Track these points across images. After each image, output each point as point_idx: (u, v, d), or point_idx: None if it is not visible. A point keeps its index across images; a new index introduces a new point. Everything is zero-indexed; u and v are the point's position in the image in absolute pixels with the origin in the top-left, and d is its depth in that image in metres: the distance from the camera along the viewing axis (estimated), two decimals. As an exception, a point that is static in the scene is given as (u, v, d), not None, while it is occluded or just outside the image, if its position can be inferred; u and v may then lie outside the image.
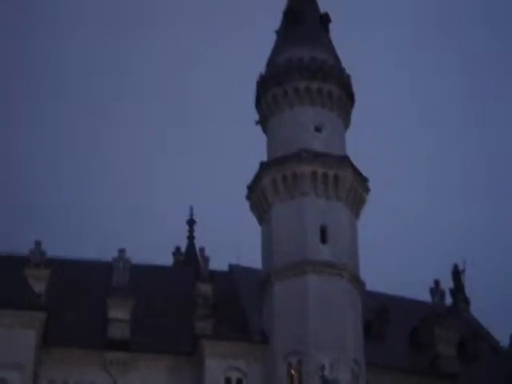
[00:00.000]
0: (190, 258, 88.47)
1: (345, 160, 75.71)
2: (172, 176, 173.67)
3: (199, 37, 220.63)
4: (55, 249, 76.86)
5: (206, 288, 74.98)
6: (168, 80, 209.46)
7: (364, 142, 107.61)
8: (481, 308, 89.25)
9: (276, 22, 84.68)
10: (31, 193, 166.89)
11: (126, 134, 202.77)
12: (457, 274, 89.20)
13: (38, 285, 71.23)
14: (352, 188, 75.47)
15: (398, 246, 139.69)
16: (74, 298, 74.08)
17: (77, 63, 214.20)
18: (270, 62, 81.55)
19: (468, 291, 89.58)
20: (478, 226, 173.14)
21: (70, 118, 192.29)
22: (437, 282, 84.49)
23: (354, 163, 76.45)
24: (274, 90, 78.66)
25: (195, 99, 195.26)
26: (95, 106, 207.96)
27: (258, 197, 76.87)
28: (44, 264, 73.15)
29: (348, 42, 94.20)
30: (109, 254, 77.79)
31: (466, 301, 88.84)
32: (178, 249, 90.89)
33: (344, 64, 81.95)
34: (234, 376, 70.38)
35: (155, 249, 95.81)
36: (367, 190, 77.22)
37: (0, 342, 66.08)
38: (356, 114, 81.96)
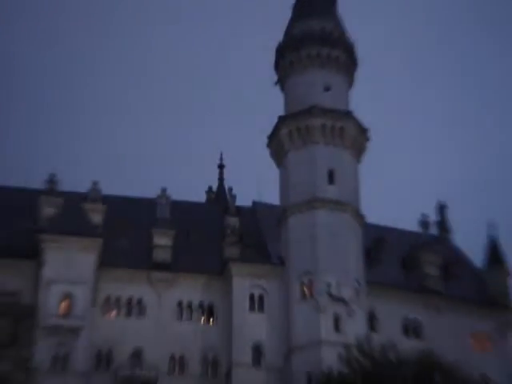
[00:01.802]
0: (220, 196, 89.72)
1: (349, 114, 78.22)
2: (205, 127, 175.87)
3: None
4: (109, 187, 79.30)
5: (233, 221, 78.13)
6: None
7: (367, 98, 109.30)
8: (461, 237, 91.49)
9: None
10: (88, 142, 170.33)
11: (169, 95, 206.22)
12: (441, 208, 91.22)
13: (96, 217, 74.77)
14: (355, 138, 78.05)
15: (393, 187, 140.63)
16: (124, 228, 76.18)
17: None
18: (287, 33, 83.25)
19: (450, 223, 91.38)
20: (461, 170, 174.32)
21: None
22: (424, 216, 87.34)
23: (357, 117, 78.85)
24: (290, 56, 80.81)
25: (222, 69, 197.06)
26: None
27: (276, 145, 79.51)
28: (100, 200, 76.44)
29: (354, 13, 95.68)
30: (153, 192, 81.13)
31: (449, 231, 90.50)
32: (210, 188, 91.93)
33: (350, 32, 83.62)
34: (257, 292, 73.66)
35: (191, 188, 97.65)
36: (367, 139, 79.57)
37: (67, 263, 69.74)
38: (360, 74, 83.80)
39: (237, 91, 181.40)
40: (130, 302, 73.44)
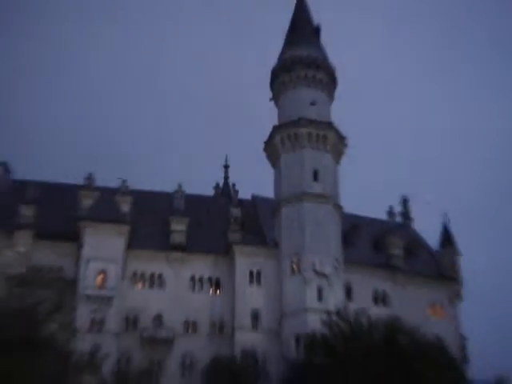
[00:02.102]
0: (225, 191, 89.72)
1: (330, 125, 79.20)
2: (214, 134, 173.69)
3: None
4: (136, 183, 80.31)
5: (236, 211, 79.07)
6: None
7: (346, 111, 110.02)
8: (420, 224, 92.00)
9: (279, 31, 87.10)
10: (117, 143, 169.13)
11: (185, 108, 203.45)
12: (404, 201, 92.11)
13: (124, 207, 75.81)
14: (335, 144, 78.87)
15: (366, 183, 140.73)
16: (147, 217, 76.94)
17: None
18: (280, 58, 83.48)
19: (411, 213, 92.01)
20: (421, 171, 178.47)
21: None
22: (391, 207, 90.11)
23: (337, 127, 79.52)
24: (282, 77, 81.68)
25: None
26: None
27: (271, 149, 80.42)
28: (128, 193, 77.12)
29: (335, 43, 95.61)
30: (171, 187, 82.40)
31: (410, 219, 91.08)
32: (217, 184, 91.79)
33: (331, 58, 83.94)
34: (255, 269, 74.60)
35: (202, 184, 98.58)
36: (345, 145, 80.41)
37: (101, 245, 70.93)
38: (338, 92, 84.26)
39: (239, 105, 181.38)
40: (152, 276, 74.26)
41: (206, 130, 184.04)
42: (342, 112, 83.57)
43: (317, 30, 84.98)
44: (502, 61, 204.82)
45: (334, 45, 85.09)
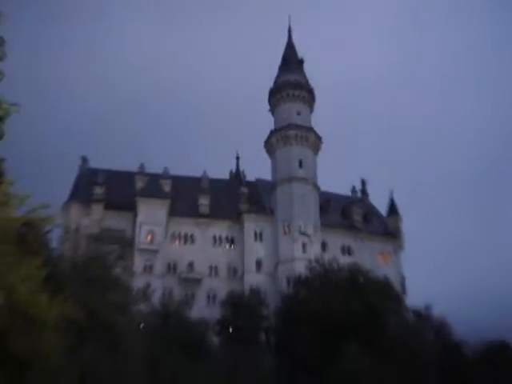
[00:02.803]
0: (237, 176, 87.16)
1: (311, 129, 79.11)
2: (229, 135, 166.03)
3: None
4: (175, 169, 79.36)
5: (244, 190, 78.54)
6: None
7: (325, 118, 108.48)
8: (374, 199, 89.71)
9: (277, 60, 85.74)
10: (162, 141, 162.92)
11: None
12: (363, 182, 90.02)
13: (166, 187, 75.18)
14: (314, 142, 78.74)
15: (337, 169, 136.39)
16: (182, 194, 75.89)
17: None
18: (275, 82, 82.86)
19: (368, 191, 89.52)
20: (377, 158, 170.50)
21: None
22: (354, 186, 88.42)
23: (316, 130, 79.44)
24: (277, 95, 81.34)
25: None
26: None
27: (269, 146, 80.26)
28: (169, 178, 76.52)
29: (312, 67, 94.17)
30: (198, 173, 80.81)
31: (367, 195, 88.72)
32: (231, 171, 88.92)
33: (311, 80, 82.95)
34: (258, 230, 74.66)
35: (221, 170, 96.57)
36: (321, 143, 79.89)
37: (151, 213, 71.07)
38: (317, 105, 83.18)
39: (247, 111, 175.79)
40: (185, 235, 74.32)
41: (224, 132, 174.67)
42: (319, 118, 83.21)
43: (301, 61, 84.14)
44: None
45: (313, 71, 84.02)
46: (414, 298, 66.93)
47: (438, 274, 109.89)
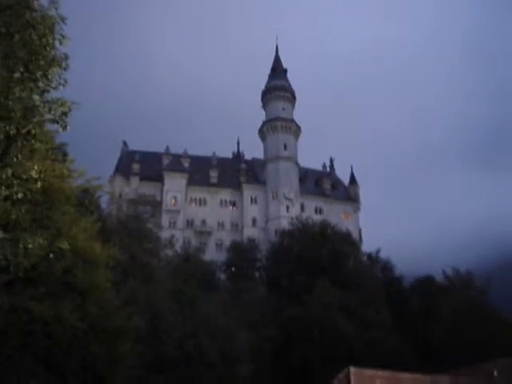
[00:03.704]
0: (238, 155, 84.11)
1: (292, 120, 77.87)
2: (232, 126, 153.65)
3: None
4: (192, 150, 77.62)
5: (244, 166, 77.44)
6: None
7: (303, 113, 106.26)
8: (340, 172, 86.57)
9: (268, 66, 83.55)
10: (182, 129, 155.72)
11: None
12: (331, 160, 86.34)
13: (186, 164, 73.11)
14: (295, 130, 77.53)
15: (313, 150, 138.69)
16: (197, 169, 73.88)
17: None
18: (266, 85, 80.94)
19: (335, 167, 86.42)
20: (341, 144, 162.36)
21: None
22: (324, 164, 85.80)
23: (297, 122, 78.22)
24: (268, 95, 79.53)
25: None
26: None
27: (262, 133, 78.93)
28: (187, 157, 75.15)
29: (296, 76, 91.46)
30: (209, 153, 79.50)
31: (334, 170, 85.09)
32: (233, 152, 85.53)
33: (293, 84, 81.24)
34: (254, 196, 73.99)
35: (226, 151, 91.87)
36: (300, 131, 78.61)
37: (174, 183, 70.54)
38: (298, 103, 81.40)
39: (246, 107, 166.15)
40: (200, 199, 73.56)
41: (229, 123, 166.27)
42: (300, 113, 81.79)
43: (285, 71, 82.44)
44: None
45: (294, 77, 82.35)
46: (368, 245, 67.26)
47: (385, 226, 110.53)
